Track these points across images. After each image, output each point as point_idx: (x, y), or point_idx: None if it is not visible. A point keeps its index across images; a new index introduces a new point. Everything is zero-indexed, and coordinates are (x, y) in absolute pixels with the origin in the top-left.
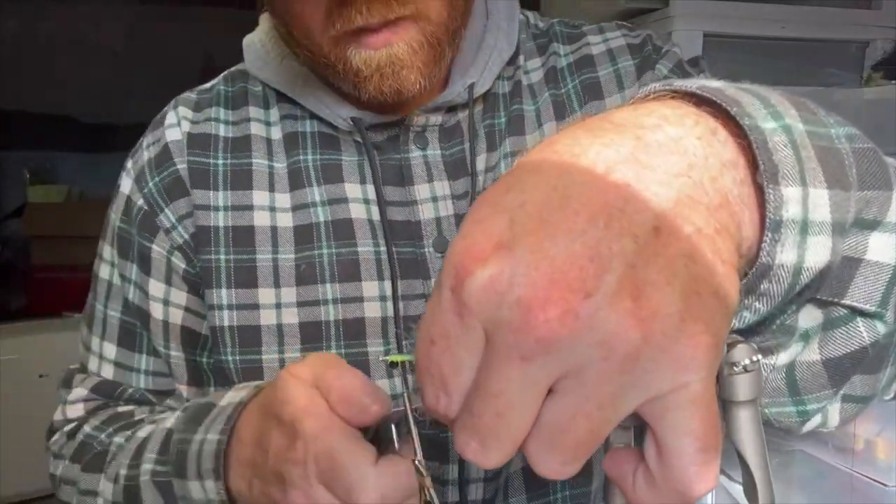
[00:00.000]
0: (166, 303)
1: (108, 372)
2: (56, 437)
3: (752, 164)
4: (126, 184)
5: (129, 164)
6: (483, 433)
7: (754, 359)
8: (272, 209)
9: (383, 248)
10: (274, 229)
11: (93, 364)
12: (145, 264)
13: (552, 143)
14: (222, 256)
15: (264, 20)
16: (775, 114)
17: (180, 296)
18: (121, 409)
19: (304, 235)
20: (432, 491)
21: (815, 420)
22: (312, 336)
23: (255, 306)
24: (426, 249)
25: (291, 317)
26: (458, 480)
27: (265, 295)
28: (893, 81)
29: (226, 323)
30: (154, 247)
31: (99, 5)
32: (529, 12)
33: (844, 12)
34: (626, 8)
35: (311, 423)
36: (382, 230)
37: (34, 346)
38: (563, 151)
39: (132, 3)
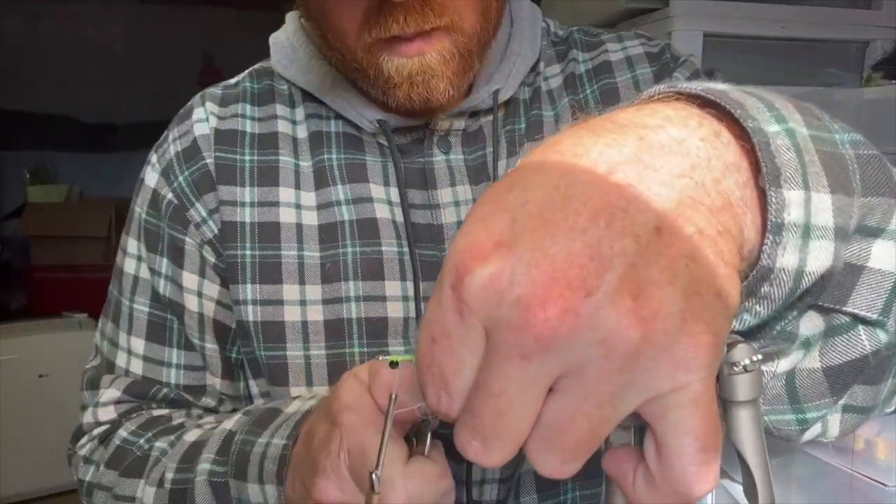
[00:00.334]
0: (200, 295)
1: (136, 367)
2: (84, 440)
3: (756, 168)
4: (152, 177)
5: (154, 157)
6: (484, 433)
7: (754, 359)
8: (298, 206)
9: (406, 250)
10: (299, 227)
11: (121, 360)
12: (178, 257)
13: (555, 143)
14: (248, 252)
15: (291, 19)
16: (779, 117)
17: (213, 288)
18: (156, 412)
19: (329, 233)
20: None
21: (815, 429)
22: (336, 333)
23: (280, 302)
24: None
25: (316, 314)
26: (477, 480)
27: (290, 291)
28: (893, 81)
29: (250, 318)
30: (187, 239)
31: (99, 5)
32: (549, 20)
33: (844, 12)
34: (626, 8)
35: (350, 416)
36: (405, 232)
37: (34, 346)
38: (565, 151)
39: (132, 3)
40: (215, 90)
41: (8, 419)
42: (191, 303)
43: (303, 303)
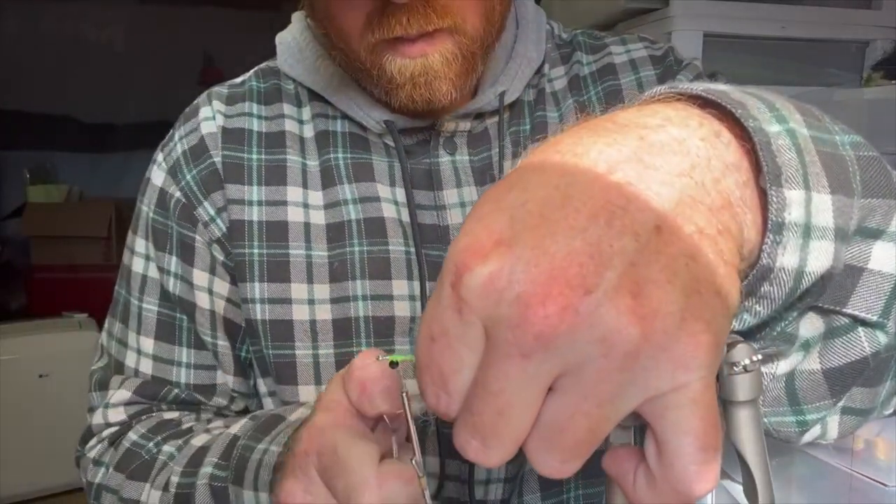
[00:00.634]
0: (211, 292)
1: (146, 367)
2: (93, 442)
3: (756, 168)
4: (158, 176)
5: (160, 156)
6: (484, 432)
7: (754, 359)
8: (306, 206)
9: (413, 249)
10: (307, 226)
11: (130, 360)
12: (188, 254)
13: (555, 144)
14: (255, 251)
15: (297, 19)
16: (780, 117)
17: (223, 286)
18: (166, 415)
19: (336, 233)
20: (426, 493)
21: (815, 431)
22: (344, 332)
23: (288, 301)
24: None
25: (325, 313)
26: (483, 480)
27: (298, 290)
28: (893, 81)
29: (258, 317)
30: (197, 236)
31: (99, 5)
32: (553, 22)
33: (844, 12)
34: (626, 8)
35: (321, 416)
36: (412, 232)
37: (34, 346)
38: (565, 151)
39: (132, 3)
40: (221, 89)
41: (8, 419)
42: (202, 300)
43: (311, 302)
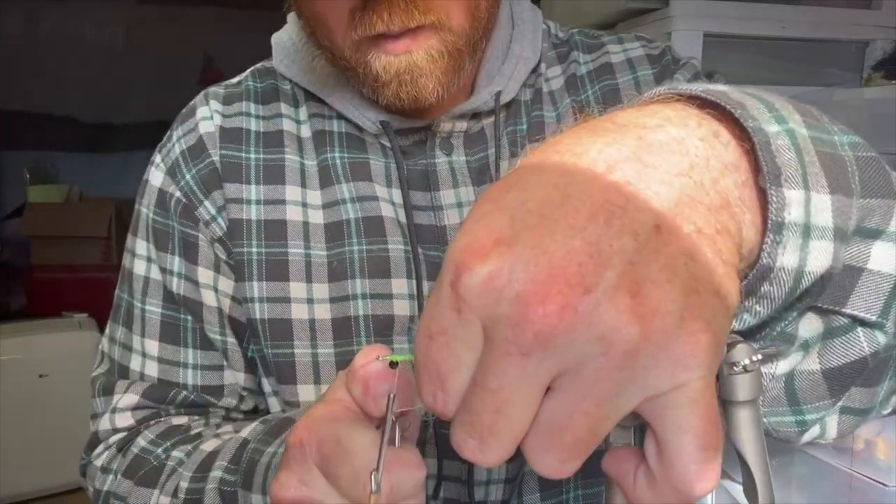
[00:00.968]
0: (216, 290)
1: (152, 370)
2: (100, 449)
3: (755, 168)
4: (157, 177)
5: (158, 157)
6: (481, 431)
7: (754, 359)
8: (304, 205)
9: (410, 249)
10: (306, 225)
11: (135, 364)
12: (191, 253)
13: (554, 144)
14: (254, 249)
15: (292, 19)
16: (779, 118)
17: (228, 284)
18: (175, 420)
19: (335, 232)
20: None
21: (814, 431)
22: (344, 332)
23: (287, 300)
24: None
25: (324, 312)
26: (483, 481)
27: (296, 289)
28: (893, 81)
29: (258, 316)
30: (200, 235)
31: (98, 5)
32: (550, 22)
33: (844, 12)
34: (626, 8)
35: (321, 408)
36: (409, 233)
37: (34, 346)
38: (564, 151)
39: (132, 3)
40: (218, 89)
41: (8, 419)
42: (208, 298)
43: (310, 301)
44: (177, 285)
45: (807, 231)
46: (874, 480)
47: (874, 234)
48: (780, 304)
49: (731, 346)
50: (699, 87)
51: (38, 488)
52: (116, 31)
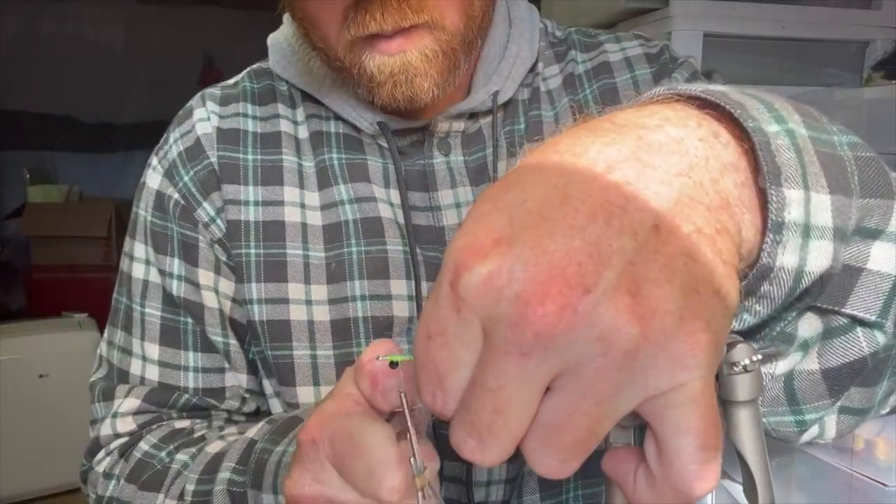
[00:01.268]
0: (217, 291)
1: (153, 374)
2: (102, 455)
3: (754, 168)
4: (154, 179)
5: (155, 160)
6: (481, 430)
7: (754, 359)
8: (302, 206)
9: (409, 250)
10: (304, 226)
11: (135, 368)
12: (191, 255)
13: (554, 144)
14: (252, 251)
15: (289, 21)
16: (779, 118)
17: (228, 285)
18: (177, 424)
19: (333, 233)
20: (433, 487)
21: (813, 431)
22: (343, 333)
23: (285, 301)
24: None
25: (323, 314)
26: (483, 481)
27: (295, 290)
28: (893, 81)
29: (257, 317)
30: (199, 236)
31: (98, 5)
32: (547, 20)
33: (844, 12)
34: (626, 8)
35: (331, 403)
36: (407, 234)
37: (34, 346)
38: (564, 151)
39: (131, 3)
40: (214, 90)
41: (8, 419)
42: (209, 300)
43: (308, 302)
44: (177, 288)
45: (807, 231)
46: (874, 480)
47: (874, 234)
48: (779, 304)
49: (731, 346)
50: (699, 88)
51: (38, 488)
52: (116, 31)
